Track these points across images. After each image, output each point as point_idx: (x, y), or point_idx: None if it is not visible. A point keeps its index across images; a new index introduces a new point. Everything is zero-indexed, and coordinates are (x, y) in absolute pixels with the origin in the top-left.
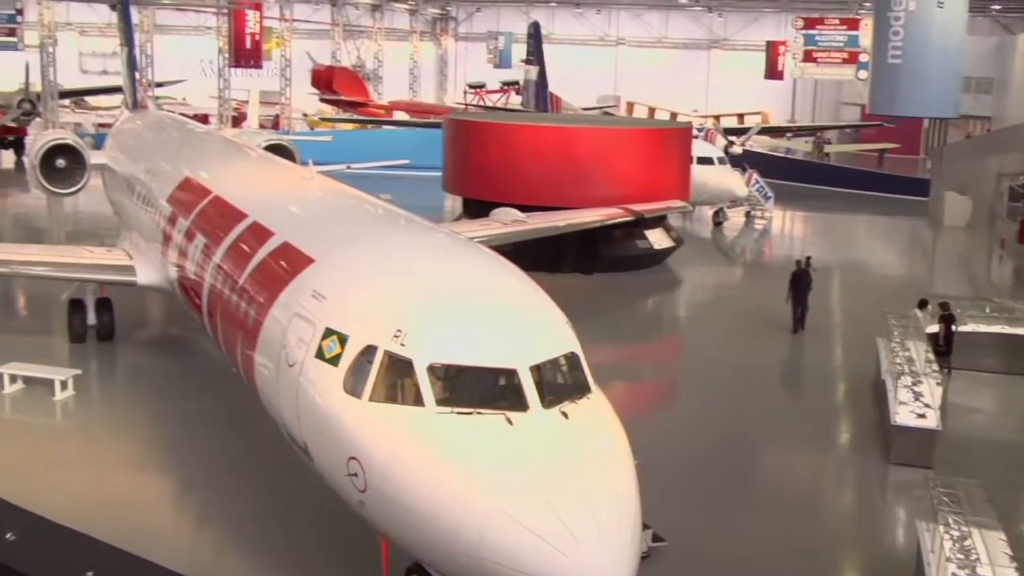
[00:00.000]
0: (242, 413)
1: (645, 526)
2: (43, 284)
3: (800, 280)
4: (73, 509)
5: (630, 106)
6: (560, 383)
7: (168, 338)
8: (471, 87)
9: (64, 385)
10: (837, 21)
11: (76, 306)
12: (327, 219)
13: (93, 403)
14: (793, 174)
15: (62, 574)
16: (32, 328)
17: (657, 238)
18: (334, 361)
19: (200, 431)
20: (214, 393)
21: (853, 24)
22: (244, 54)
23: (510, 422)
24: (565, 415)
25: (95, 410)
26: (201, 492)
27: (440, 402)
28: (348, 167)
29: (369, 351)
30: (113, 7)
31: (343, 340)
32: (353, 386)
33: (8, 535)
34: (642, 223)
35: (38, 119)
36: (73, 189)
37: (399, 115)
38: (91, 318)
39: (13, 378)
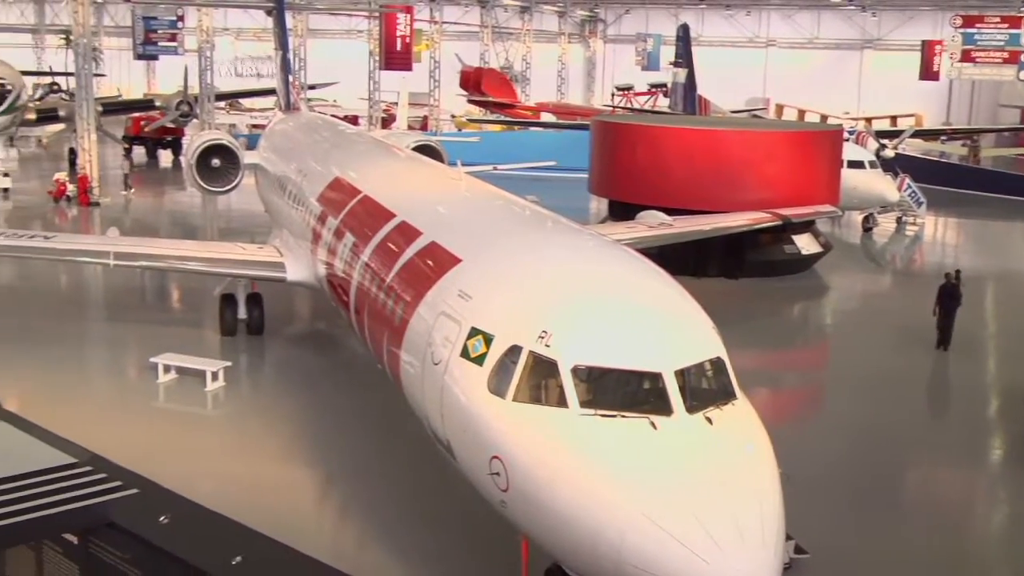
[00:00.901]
0: (386, 409)
1: (788, 537)
2: (196, 278)
3: (949, 295)
4: (222, 496)
5: (779, 108)
6: (705, 388)
7: (315, 333)
8: (619, 89)
9: (215, 376)
10: (998, 19)
11: (228, 300)
12: (474, 219)
13: (242, 394)
14: (947, 179)
15: (212, 558)
16: (185, 321)
17: (805, 243)
18: (479, 360)
19: (345, 425)
20: (359, 388)
21: (1015, 22)
22: (394, 56)
23: (654, 426)
24: (709, 421)
25: (244, 401)
26: (345, 485)
27: (584, 404)
28: (495, 168)
29: (514, 351)
30: (269, 12)
31: (488, 340)
32: (497, 386)
33: (162, 518)
34: (790, 228)
35: (195, 120)
36: (227, 188)
37: (546, 117)
38: (242, 312)
39: (167, 368)
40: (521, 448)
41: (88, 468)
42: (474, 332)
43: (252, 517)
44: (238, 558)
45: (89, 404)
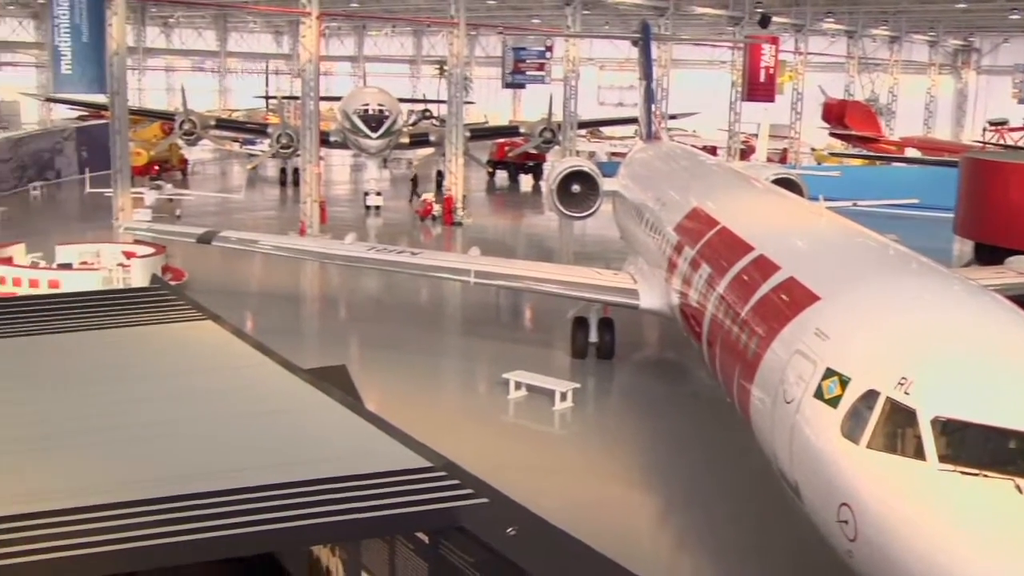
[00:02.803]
0: (732, 442)
1: None
2: (549, 300)
3: None
4: (564, 513)
5: None
6: None
7: (664, 362)
8: (992, 124)
9: (563, 396)
10: None
11: (580, 323)
12: (835, 256)
13: (588, 416)
14: None
15: (554, 573)
16: (537, 341)
17: None
18: (833, 403)
19: (688, 454)
20: (705, 419)
21: None
22: (757, 87)
23: (1020, 490)
24: None
25: (590, 423)
26: (683, 514)
27: (943, 458)
28: (854, 204)
29: (870, 396)
30: (635, 43)
31: (844, 382)
32: (851, 430)
33: (509, 529)
34: None
35: (557, 147)
36: (585, 213)
37: (910, 152)
38: (593, 336)
39: (518, 385)
40: (873, 498)
41: (443, 473)
42: (829, 373)
43: (592, 537)
44: None
45: (443, 412)
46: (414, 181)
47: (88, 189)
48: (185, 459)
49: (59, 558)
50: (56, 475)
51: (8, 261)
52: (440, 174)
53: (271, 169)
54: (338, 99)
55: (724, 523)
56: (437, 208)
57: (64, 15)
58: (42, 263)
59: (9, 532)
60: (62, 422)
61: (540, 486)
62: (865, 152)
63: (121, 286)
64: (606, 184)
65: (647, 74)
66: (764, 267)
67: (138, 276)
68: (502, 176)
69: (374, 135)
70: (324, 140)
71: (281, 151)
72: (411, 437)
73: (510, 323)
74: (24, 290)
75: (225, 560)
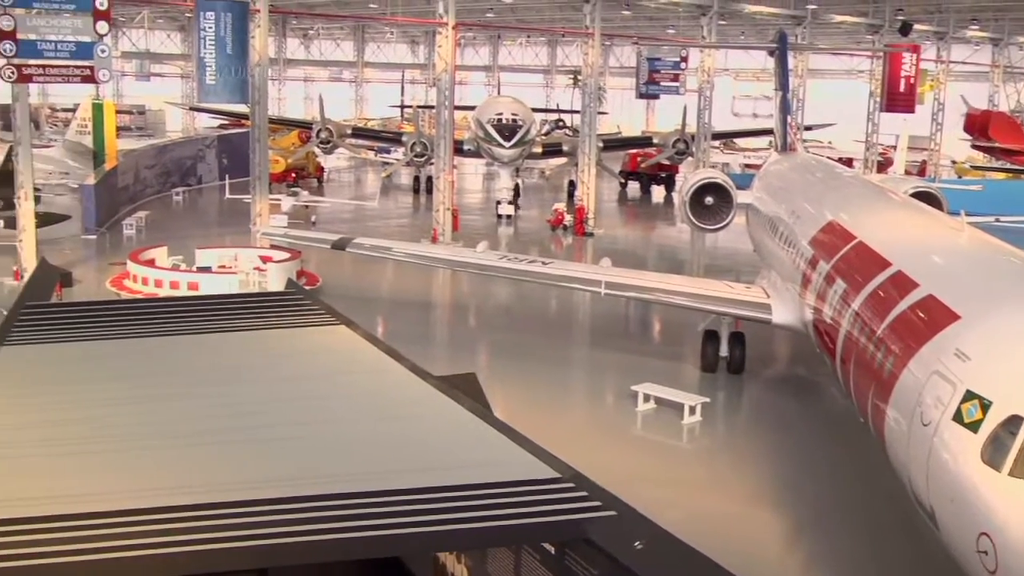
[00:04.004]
0: (863, 463)
1: None
2: (679, 312)
3: None
4: (690, 528)
5: None
6: None
7: (794, 378)
8: None
9: (692, 410)
10: None
11: (710, 337)
12: (977, 274)
13: (717, 431)
14: None
15: None
16: (666, 353)
17: None
18: (973, 427)
19: (817, 473)
20: (836, 438)
21: None
22: (896, 97)
23: None
24: None
25: (718, 438)
26: (811, 535)
27: None
28: (997, 220)
29: (1014, 421)
30: (771, 53)
31: (985, 406)
32: (992, 456)
33: (636, 543)
34: None
35: (690, 158)
36: (718, 226)
37: None
38: (723, 350)
39: (647, 397)
40: (1016, 529)
41: (571, 484)
42: (970, 396)
43: (717, 554)
44: None
45: (571, 423)
46: (516, 191)
47: (227, 195)
48: (315, 461)
49: (191, 551)
50: (191, 471)
51: (151, 263)
52: (572, 184)
53: (405, 177)
54: (472, 108)
55: (854, 547)
56: (568, 218)
57: (210, 28)
58: (183, 266)
59: (145, 524)
60: (198, 420)
61: (667, 500)
62: (1009, 165)
63: (257, 290)
64: (740, 196)
65: (783, 84)
66: (902, 284)
67: (274, 280)
68: (634, 187)
69: (507, 144)
70: (458, 149)
71: (415, 159)
72: (540, 447)
73: (639, 335)
74: (165, 291)
75: (351, 561)
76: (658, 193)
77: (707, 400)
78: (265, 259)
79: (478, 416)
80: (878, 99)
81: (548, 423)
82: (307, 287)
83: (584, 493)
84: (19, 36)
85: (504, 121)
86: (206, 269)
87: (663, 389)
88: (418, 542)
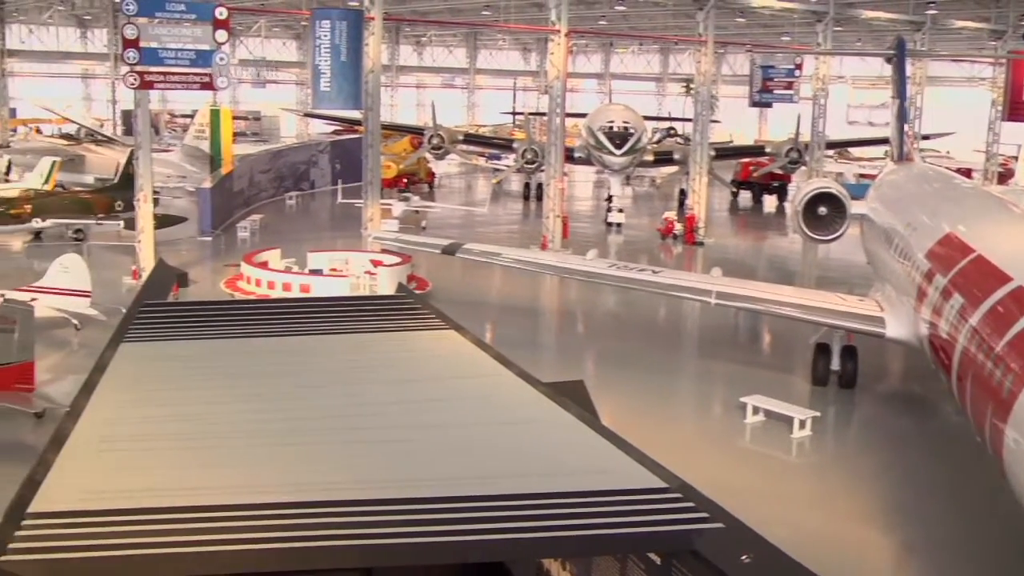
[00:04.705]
0: (980, 484)
1: None
2: (788, 324)
3: None
4: (798, 544)
5: None
6: None
7: (907, 394)
8: None
9: (802, 424)
10: None
11: (822, 350)
12: None
13: (827, 446)
14: None
15: None
16: (775, 365)
17: None
18: None
19: (930, 494)
20: (950, 457)
21: None
22: (1019, 106)
23: None
24: None
25: (828, 453)
26: (923, 558)
27: None
28: None
29: None
30: (888, 60)
31: None
32: None
33: (744, 557)
34: None
35: (803, 168)
36: (831, 237)
37: None
38: (835, 363)
39: (755, 409)
40: None
41: (679, 495)
42: None
43: (825, 573)
44: None
45: (678, 432)
46: (608, 200)
47: (340, 199)
48: (423, 464)
49: (299, 547)
50: (301, 469)
51: (264, 265)
52: (683, 193)
53: (515, 184)
54: (584, 115)
55: (968, 574)
56: (679, 227)
57: (325, 36)
58: (295, 268)
59: (254, 519)
60: (309, 419)
61: (774, 515)
62: None
63: (368, 293)
64: (854, 207)
65: (900, 92)
66: (1022, 299)
67: (384, 284)
68: (745, 196)
69: (618, 152)
70: (568, 156)
71: (526, 166)
72: (648, 456)
73: (749, 346)
74: (277, 293)
75: (455, 564)
76: (770, 203)
77: (817, 414)
78: (376, 263)
79: (586, 424)
80: (999, 107)
81: (655, 432)
82: (417, 291)
83: (692, 504)
84: (142, 44)
85: (615, 129)
86: (318, 272)
87: (772, 402)
88: (524, 548)
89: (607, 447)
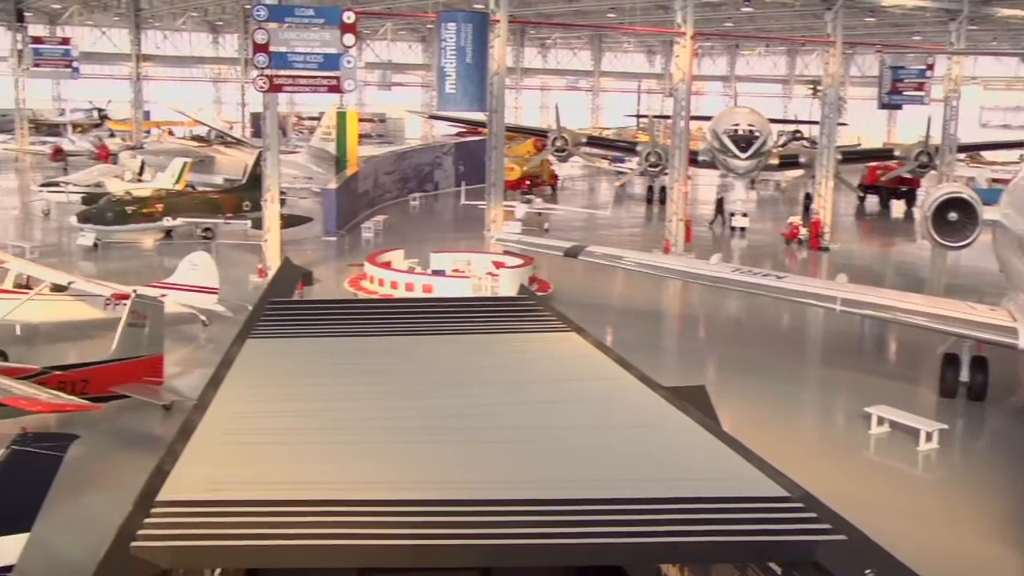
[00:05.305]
0: None
1: None
2: (916, 333)
3: None
4: (922, 561)
5: None
6: None
7: None
8: None
9: (929, 437)
10: None
11: (950, 361)
12: None
13: (955, 460)
14: None
15: None
16: (902, 375)
17: None
18: None
19: None
20: None
21: None
22: None
23: None
24: None
25: (955, 468)
26: None
27: None
28: None
29: None
30: None
31: None
32: None
33: (868, 571)
34: None
35: (932, 172)
36: (962, 243)
37: None
38: (964, 375)
39: (880, 420)
40: None
41: (800, 504)
42: None
43: None
44: None
45: (799, 440)
46: (719, 203)
47: (463, 201)
48: (542, 465)
49: (418, 545)
50: (421, 467)
51: (387, 265)
52: (808, 197)
53: (638, 187)
54: (708, 118)
55: None
56: (804, 232)
57: (451, 38)
58: (418, 268)
59: (374, 515)
60: (430, 418)
61: (898, 529)
62: None
63: (490, 294)
64: (986, 212)
65: None
66: None
67: (506, 285)
68: (872, 201)
69: (743, 155)
70: (692, 159)
71: (649, 169)
72: (769, 464)
73: (874, 354)
74: (400, 293)
75: (573, 567)
76: (898, 208)
77: (945, 427)
78: (498, 264)
79: (707, 429)
80: None
81: (776, 441)
82: (539, 293)
83: (814, 514)
84: (272, 49)
85: (740, 132)
86: (440, 273)
87: (898, 412)
88: (645, 552)
89: (729, 453)
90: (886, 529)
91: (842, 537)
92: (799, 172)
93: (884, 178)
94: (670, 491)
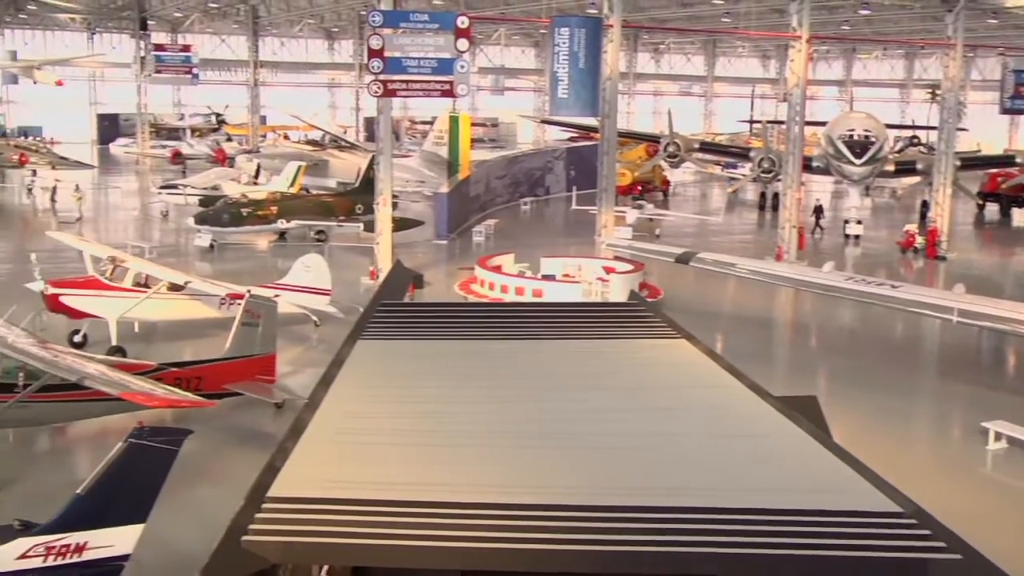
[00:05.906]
0: None
1: None
2: None
3: None
4: None
5: None
6: None
7: None
8: None
9: None
10: None
11: None
12: None
13: None
14: None
15: None
16: (1021, 390)
17: None
18: None
19: None
20: None
21: None
22: None
23: None
24: None
25: None
26: None
27: None
28: None
29: None
30: None
31: None
32: None
33: None
34: None
35: None
36: None
37: None
38: None
39: (998, 435)
40: None
41: (913, 520)
42: None
43: None
44: None
45: (912, 454)
46: (818, 210)
47: (574, 206)
48: (649, 472)
49: (528, 549)
50: (530, 471)
51: (497, 269)
52: (925, 204)
53: (751, 193)
54: (823, 124)
55: None
56: (920, 240)
57: (564, 43)
58: (528, 273)
59: (479, 517)
60: (537, 423)
61: (1015, 549)
62: None
63: (600, 300)
64: None
65: None
66: None
67: (616, 291)
68: (992, 209)
69: (858, 162)
70: (806, 165)
71: (762, 175)
72: (881, 478)
73: (992, 368)
74: (510, 297)
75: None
76: (1019, 216)
77: None
78: (608, 270)
79: (818, 440)
80: None
81: (888, 454)
82: (649, 299)
83: (927, 531)
84: (386, 54)
85: (856, 137)
86: (550, 277)
87: (1017, 428)
88: (750, 564)
89: (839, 466)
90: (1002, 549)
91: (957, 556)
92: (916, 179)
93: (1005, 185)
94: (777, 502)
